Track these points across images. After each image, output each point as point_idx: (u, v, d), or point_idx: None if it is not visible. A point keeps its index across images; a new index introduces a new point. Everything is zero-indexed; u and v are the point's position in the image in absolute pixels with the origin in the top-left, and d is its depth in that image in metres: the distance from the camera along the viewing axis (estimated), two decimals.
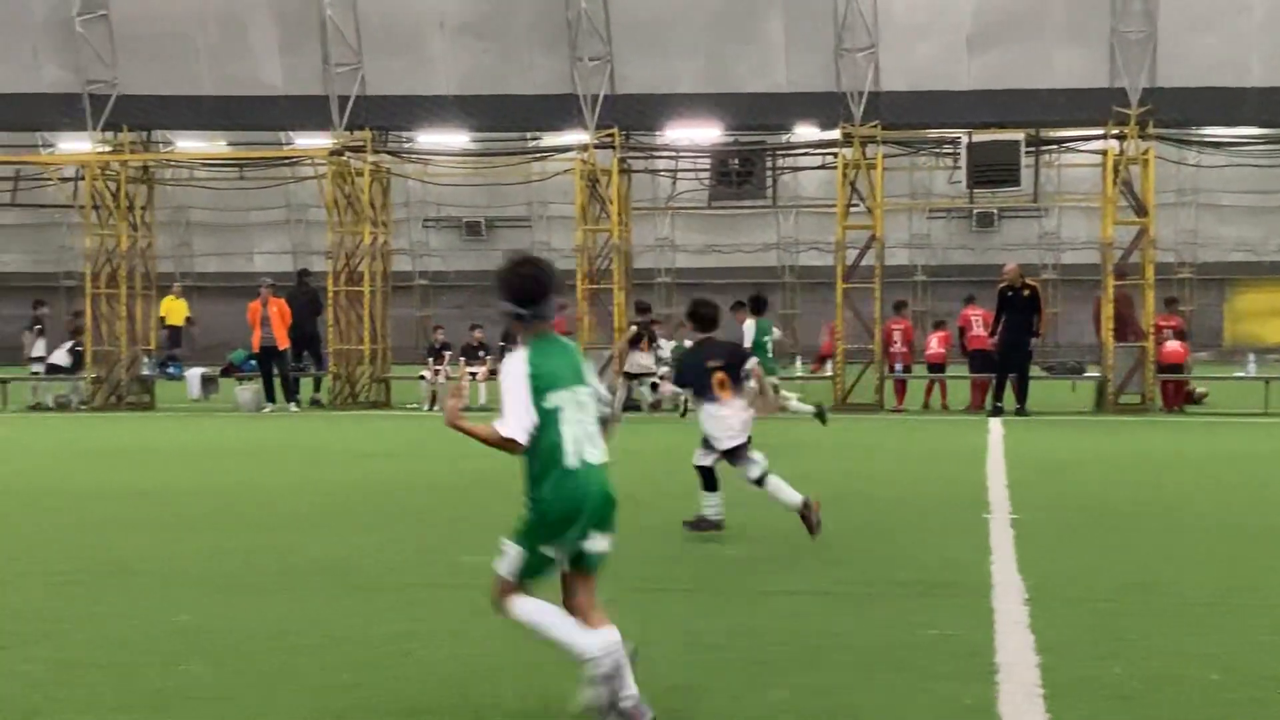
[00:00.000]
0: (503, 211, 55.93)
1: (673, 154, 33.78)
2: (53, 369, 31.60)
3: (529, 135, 36.25)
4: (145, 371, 31.10)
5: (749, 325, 23.57)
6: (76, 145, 35.13)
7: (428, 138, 32.86)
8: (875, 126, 28.71)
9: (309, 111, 31.05)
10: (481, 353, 30.74)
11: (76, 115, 30.89)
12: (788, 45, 30.27)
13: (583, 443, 6.12)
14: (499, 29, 30.79)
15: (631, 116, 30.34)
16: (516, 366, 6.15)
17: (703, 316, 11.73)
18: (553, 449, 6.08)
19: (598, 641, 5.92)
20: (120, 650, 7.76)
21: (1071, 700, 6.51)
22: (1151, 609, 8.70)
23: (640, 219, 41.21)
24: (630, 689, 5.89)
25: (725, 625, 8.26)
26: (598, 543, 6.13)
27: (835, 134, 29.55)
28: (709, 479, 11.63)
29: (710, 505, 11.65)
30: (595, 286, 29.98)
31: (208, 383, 32.17)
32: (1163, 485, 15.83)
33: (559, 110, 30.25)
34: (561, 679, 6.66)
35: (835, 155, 29.94)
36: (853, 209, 29.03)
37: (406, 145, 32.45)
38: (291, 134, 39.62)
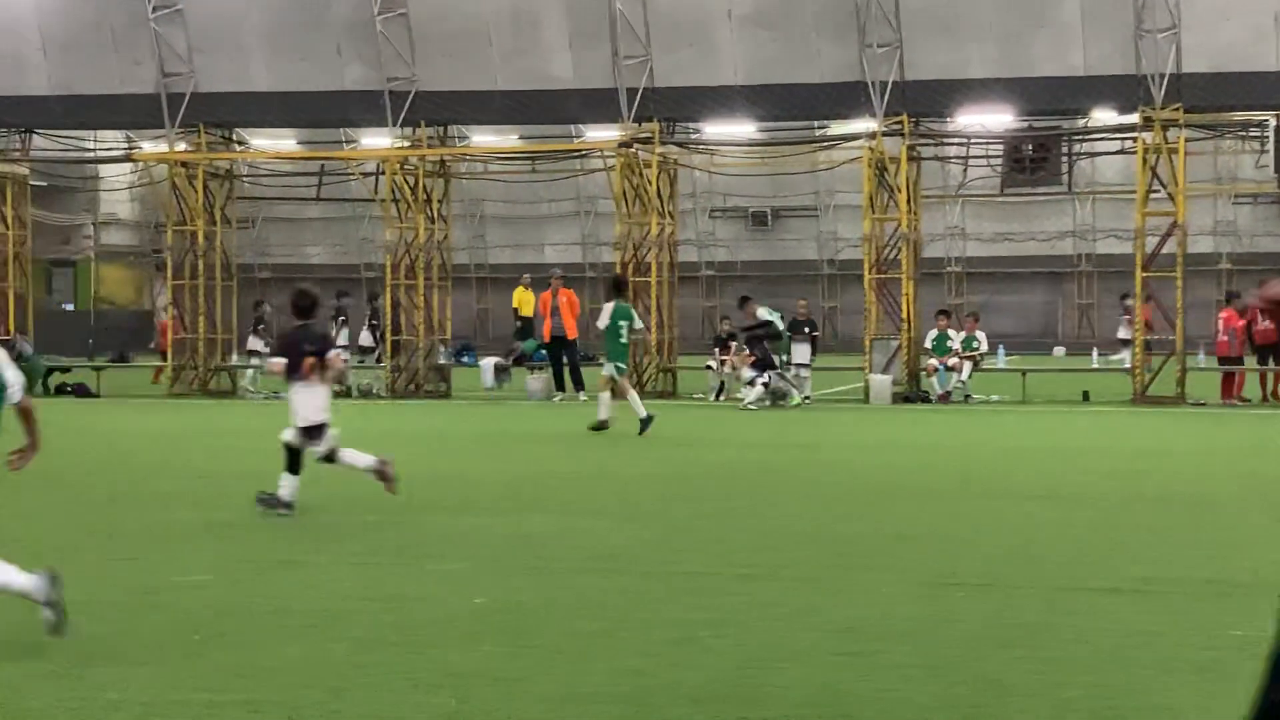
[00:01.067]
0: (789, 201, 55.84)
1: (963, 140, 33.18)
2: (362, 350, 32.92)
3: (816, 124, 36.09)
4: (441, 360, 32.04)
5: (606, 308, 22.38)
6: (377, 141, 36.36)
7: (714, 128, 32.96)
8: (1177, 109, 27.68)
9: (598, 104, 31.44)
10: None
11: (377, 112, 31.89)
12: (1084, 26, 29.32)
13: None
14: (786, 18, 30.66)
15: (921, 103, 29.77)
16: None
17: (300, 306, 12.98)
18: None
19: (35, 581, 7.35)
20: (419, 631, 8.00)
21: None
22: None
23: (929, 207, 40.59)
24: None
25: (1024, 621, 8.10)
26: None
27: (1134, 118, 28.56)
28: (294, 460, 12.57)
29: (287, 486, 12.51)
30: (883, 276, 29.63)
31: (500, 371, 32.97)
32: None
33: (847, 98, 29.91)
34: (842, 669, 6.61)
35: (1134, 140, 28.97)
36: (1153, 195, 28.06)
37: (694, 136, 32.65)
38: (581, 127, 40.35)
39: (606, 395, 21.43)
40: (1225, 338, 28.60)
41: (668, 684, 6.75)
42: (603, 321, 22.10)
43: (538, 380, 30.72)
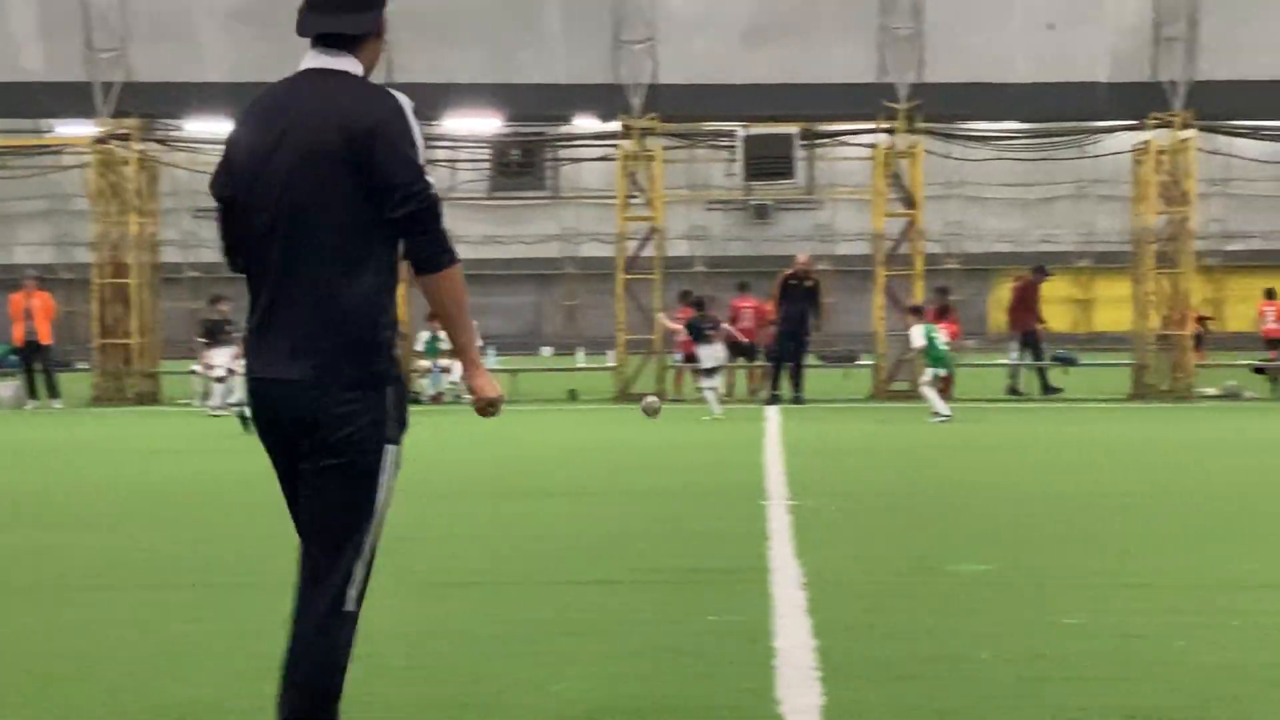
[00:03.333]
0: None
1: (452, 144, 33.52)
2: None
3: None
4: None
5: None
6: None
7: (198, 126, 32.02)
8: (653, 119, 28.93)
9: (71, 98, 30.01)
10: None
11: None
12: (567, 37, 30.25)
13: None
14: (271, 14, 30.17)
15: (414, 102, 30.01)
16: None
17: None
18: None
19: None
20: None
21: (848, 682, 6.59)
22: (927, 590, 8.88)
23: None
24: None
25: (526, 618, 8.19)
26: None
27: (615, 126, 29.67)
28: None
29: None
30: None
31: None
32: (938, 468, 16.21)
33: None
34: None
35: (615, 147, 30.06)
36: (633, 201, 29.18)
37: (175, 133, 31.60)
38: (53, 121, 38.34)
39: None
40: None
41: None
42: None
43: (8, 387, 29.06)
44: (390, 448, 4.95)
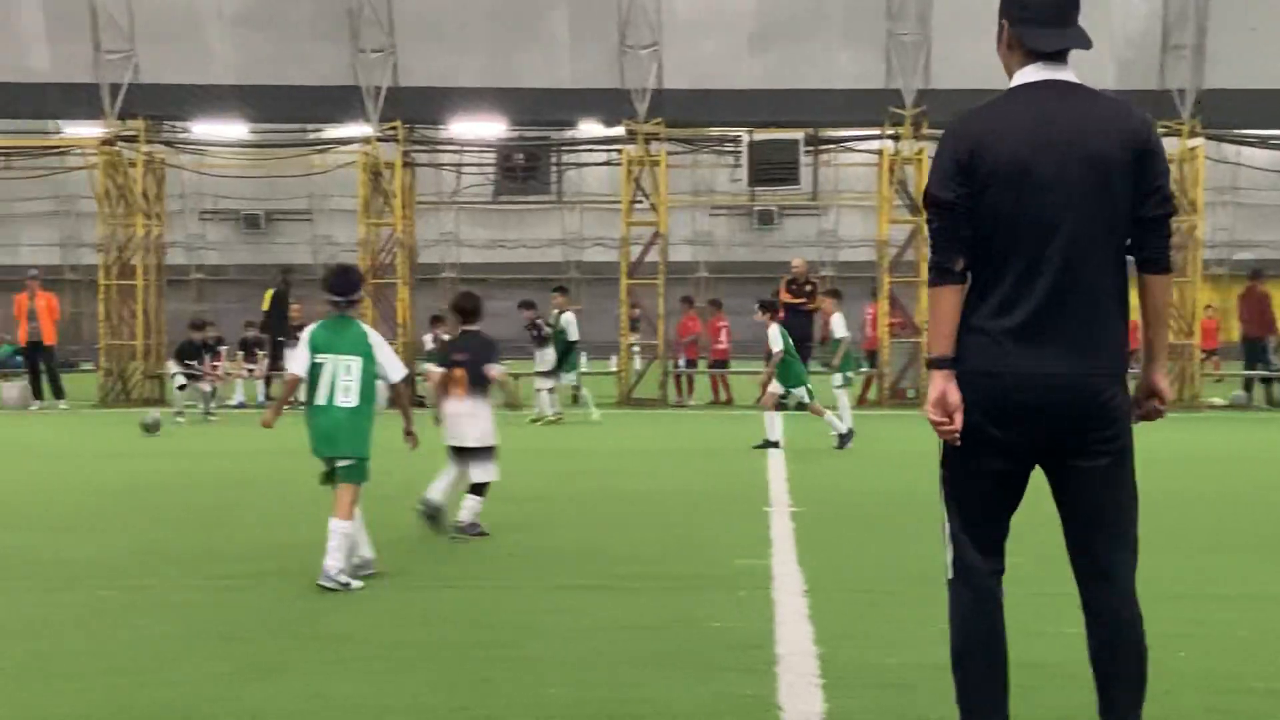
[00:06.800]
0: (282, 204, 54.87)
1: (457, 148, 33.54)
2: None
3: (310, 127, 35.64)
4: None
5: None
6: None
7: (205, 128, 32.04)
8: (658, 124, 28.94)
9: (79, 99, 30.00)
10: (258, 349, 30.20)
11: None
12: (571, 41, 30.24)
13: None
14: (278, 18, 30.15)
15: (415, 110, 29.96)
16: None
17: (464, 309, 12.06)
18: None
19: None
20: None
21: (850, 689, 6.60)
22: (929, 598, 8.86)
23: (424, 213, 40.79)
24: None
25: (511, 621, 8.20)
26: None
27: (619, 131, 29.69)
28: None
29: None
30: (379, 281, 29.58)
31: None
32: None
33: (341, 102, 29.72)
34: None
35: (619, 152, 30.08)
36: (637, 205, 29.20)
37: (182, 135, 31.62)
38: (60, 122, 38.32)
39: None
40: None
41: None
42: None
43: (14, 387, 29.10)
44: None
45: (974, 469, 5.20)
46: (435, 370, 11.79)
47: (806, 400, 19.32)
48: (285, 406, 9.94)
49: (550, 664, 7.15)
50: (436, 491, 11.31)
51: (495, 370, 11.60)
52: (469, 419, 11.42)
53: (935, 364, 5.09)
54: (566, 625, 8.07)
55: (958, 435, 5.10)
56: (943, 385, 5.08)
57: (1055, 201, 4.98)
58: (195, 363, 25.95)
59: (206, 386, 26.38)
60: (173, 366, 26.28)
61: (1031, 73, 5.14)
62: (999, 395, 5.02)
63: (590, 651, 7.44)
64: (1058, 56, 5.15)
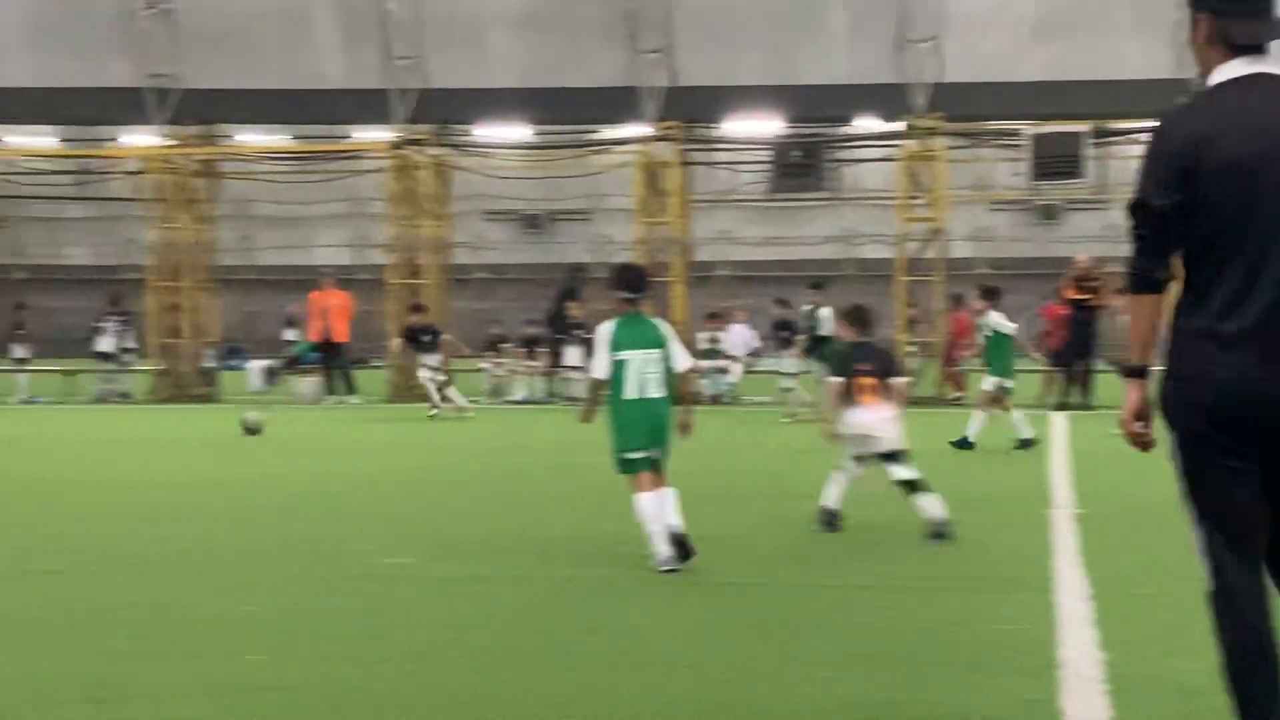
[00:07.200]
0: (561, 204, 55.87)
1: (732, 146, 33.66)
2: (104, 355, 31.47)
3: (589, 128, 36.27)
4: (209, 364, 31.30)
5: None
6: (141, 139, 35.41)
7: (488, 131, 32.88)
8: (937, 118, 28.54)
9: (370, 105, 31.13)
10: (537, 347, 30.76)
11: (139, 109, 31.09)
12: (849, 36, 30.11)
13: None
14: (558, 21, 30.79)
15: (692, 109, 30.20)
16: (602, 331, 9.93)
17: (859, 320, 12.13)
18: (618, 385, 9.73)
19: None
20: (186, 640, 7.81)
21: (1135, 696, 6.43)
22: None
23: (700, 212, 41.01)
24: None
25: (797, 619, 8.22)
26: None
27: (897, 126, 29.38)
28: None
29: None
30: (655, 279, 29.85)
31: (270, 375, 32.32)
32: None
33: (619, 103, 30.18)
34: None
35: (897, 147, 29.76)
36: (914, 201, 28.86)
37: (466, 139, 32.51)
38: (352, 128, 39.84)
39: None
40: None
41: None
42: None
43: (309, 383, 30.25)
44: None
45: (1212, 476, 5.05)
46: (833, 380, 11.82)
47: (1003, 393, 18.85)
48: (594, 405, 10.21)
49: (831, 661, 7.16)
50: (831, 499, 11.53)
51: (900, 383, 11.83)
52: (885, 423, 11.53)
53: (1134, 373, 4.96)
54: (853, 624, 8.06)
55: (1153, 442, 5.06)
56: (1140, 394, 5.02)
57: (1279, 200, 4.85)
58: (428, 350, 25.30)
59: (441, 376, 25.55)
60: (427, 360, 25.34)
61: (1238, 66, 4.99)
62: (1225, 399, 4.89)
63: (874, 649, 7.42)
64: (1259, 49, 4.99)
